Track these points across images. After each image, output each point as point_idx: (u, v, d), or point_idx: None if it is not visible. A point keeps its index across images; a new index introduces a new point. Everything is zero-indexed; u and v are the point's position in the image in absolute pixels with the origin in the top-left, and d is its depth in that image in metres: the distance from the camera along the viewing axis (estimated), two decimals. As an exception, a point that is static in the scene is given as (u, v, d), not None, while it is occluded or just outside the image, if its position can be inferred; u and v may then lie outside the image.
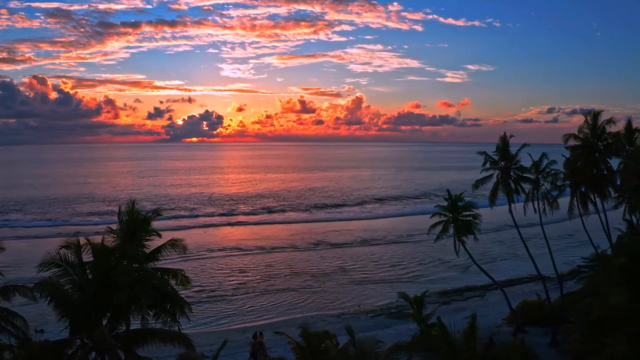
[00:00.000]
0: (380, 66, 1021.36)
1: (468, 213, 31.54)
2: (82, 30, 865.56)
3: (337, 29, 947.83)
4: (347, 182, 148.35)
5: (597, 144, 33.70)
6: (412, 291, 43.13)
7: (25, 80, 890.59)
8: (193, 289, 43.89)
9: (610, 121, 33.84)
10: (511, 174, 32.28)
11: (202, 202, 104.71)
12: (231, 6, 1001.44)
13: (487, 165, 32.77)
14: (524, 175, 32.50)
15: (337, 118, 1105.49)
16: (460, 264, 48.46)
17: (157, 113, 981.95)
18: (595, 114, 33.65)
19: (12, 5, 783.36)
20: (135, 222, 21.94)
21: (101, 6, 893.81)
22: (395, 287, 43.36)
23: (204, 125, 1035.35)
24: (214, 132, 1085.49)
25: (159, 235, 22.83)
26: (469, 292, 43.04)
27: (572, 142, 34.67)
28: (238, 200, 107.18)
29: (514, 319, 31.97)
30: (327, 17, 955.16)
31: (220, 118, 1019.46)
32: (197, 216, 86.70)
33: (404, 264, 53.16)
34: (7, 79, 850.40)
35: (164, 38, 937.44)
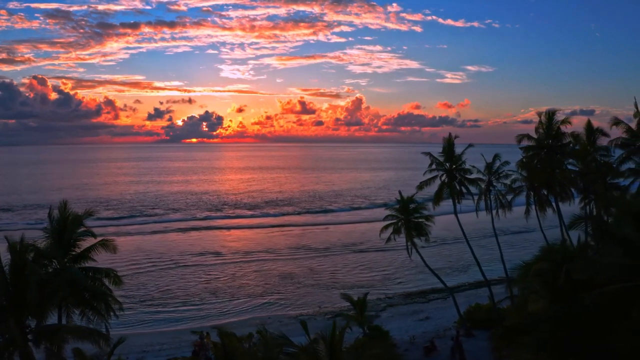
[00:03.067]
0: (379, 67, 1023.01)
1: (420, 215, 31.49)
2: (81, 31, 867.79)
3: (337, 29, 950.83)
4: (341, 184, 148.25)
5: (551, 144, 33.22)
6: (378, 294, 43.21)
7: (25, 81, 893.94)
8: (159, 289, 44.08)
9: (565, 121, 33.40)
10: (456, 175, 31.97)
11: (191, 203, 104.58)
12: (230, 7, 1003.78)
13: (433, 166, 32.52)
14: (472, 177, 32.28)
15: (337, 119, 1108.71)
16: (441, 267, 48.86)
17: (156, 114, 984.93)
18: (551, 113, 33.24)
19: (11, 6, 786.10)
20: (66, 223, 22.17)
21: (100, 7, 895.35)
22: (362, 290, 42.96)
23: (204, 126, 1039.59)
24: (214, 133, 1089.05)
25: (94, 236, 23.06)
26: (433, 294, 42.83)
27: (525, 143, 34.10)
28: (228, 202, 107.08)
29: (462, 323, 31.86)
30: (326, 18, 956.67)
31: (220, 119, 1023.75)
32: (182, 220, 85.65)
33: (379, 267, 52.88)
34: (7, 80, 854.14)
35: (163, 39, 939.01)
